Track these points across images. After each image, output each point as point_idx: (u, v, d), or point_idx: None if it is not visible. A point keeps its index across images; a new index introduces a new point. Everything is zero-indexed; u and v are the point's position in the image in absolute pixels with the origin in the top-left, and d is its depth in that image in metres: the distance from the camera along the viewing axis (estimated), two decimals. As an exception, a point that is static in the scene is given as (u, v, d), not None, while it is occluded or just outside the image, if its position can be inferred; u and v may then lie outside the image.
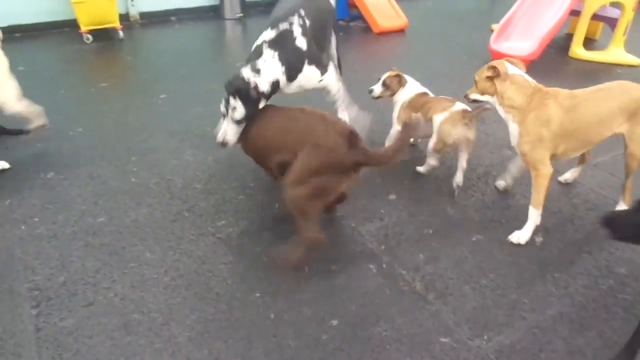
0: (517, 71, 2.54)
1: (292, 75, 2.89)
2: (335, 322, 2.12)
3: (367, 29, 6.24)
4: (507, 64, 2.55)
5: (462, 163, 3.01)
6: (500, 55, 5.00)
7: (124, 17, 6.10)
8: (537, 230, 2.67)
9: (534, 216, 2.59)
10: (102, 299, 2.21)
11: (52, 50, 5.31)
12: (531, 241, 2.60)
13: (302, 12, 3.00)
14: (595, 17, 5.38)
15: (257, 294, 2.26)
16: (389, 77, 3.27)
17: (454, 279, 2.36)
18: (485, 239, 2.62)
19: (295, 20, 2.94)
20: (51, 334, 2.03)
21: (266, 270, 2.39)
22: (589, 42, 5.60)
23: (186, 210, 2.82)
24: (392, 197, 2.97)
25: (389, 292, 2.28)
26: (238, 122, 2.61)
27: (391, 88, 3.27)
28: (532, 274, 2.40)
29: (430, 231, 2.69)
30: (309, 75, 3.01)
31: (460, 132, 2.87)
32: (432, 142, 2.98)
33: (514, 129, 2.55)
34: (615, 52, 5.27)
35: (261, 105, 2.69)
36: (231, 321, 2.12)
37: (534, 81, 2.53)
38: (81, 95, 4.25)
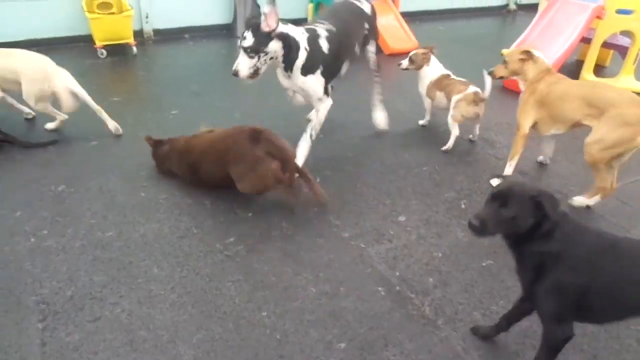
0: (540, 55, 3.22)
1: (307, 67, 3.06)
2: (342, 345, 2.09)
3: (378, 49, 6.27)
4: (534, 50, 3.22)
5: (475, 131, 3.95)
6: (510, 80, 5.04)
7: (138, 34, 6.19)
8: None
9: (507, 167, 3.34)
10: (109, 314, 2.19)
11: (67, 64, 5.31)
12: (542, 268, 2.57)
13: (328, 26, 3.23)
14: (606, 44, 5.40)
15: (264, 314, 2.24)
16: (415, 54, 4.00)
17: (464, 304, 2.33)
18: (495, 265, 2.60)
19: (321, 30, 3.17)
20: (57, 349, 2.01)
21: (273, 289, 2.38)
22: (599, 69, 5.61)
23: (195, 226, 2.81)
24: (402, 218, 2.96)
25: (398, 316, 2.25)
26: (246, 50, 2.89)
27: (416, 63, 3.99)
28: (543, 302, 2.36)
29: (440, 254, 2.67)
30: (313, 85, 3.14)
31: (471, 109, 3.69)
32: (451, 116, 3.76)
33: (522, 95, 3.27)
34: (625, 80, 5.27)
35: (273, 45, 2.93)
36: (237, 341, 2.10)
37: (549, 64, 3.23)
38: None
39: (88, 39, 5.77)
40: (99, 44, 5.54)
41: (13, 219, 2.81)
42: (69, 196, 3.04)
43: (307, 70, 3.08)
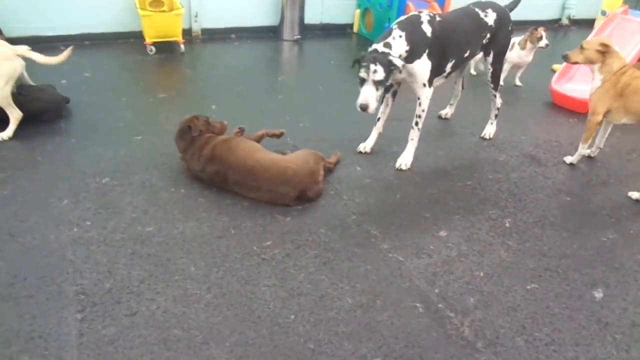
0: (617, 49, 3.49)
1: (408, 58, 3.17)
2: (377, 361, 2.04)
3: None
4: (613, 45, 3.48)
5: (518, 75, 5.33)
6: (561, 97, 4.88)
7: (187, 32, 6.28)
8: (596, 285, 2.52)
9: (580, 149, 3.70)
10: (145, 310, 2.20)
11: (117, 59, 5.51)
12: (590, 296, 2.45)
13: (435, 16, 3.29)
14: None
15: (298, 321, 2.20)
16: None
17: (505, 328, 2.24)
18: (540, 289, 2.49)
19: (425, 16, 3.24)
20: (93, 341, 2.03)
21: (308, 297, 2.34)
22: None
23: (233, 227, 2.81)
24: (443, 233, 2.88)
25: (435, 335, 2.18)
26: (375, 83, 2.99)
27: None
28: (591, 332, 2.25)
29: (482, 274, 2.58)
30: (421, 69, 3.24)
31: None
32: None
33: (597, 81, 3.50)
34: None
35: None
36: (270, 347, 2.07)
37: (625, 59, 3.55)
38: (141, 104, 4.37)
39: (138, 36, 5.90)
40: (148, 40, 5.65)
41: (59, 207, 2.87)
42: (112, 189, 3.09)
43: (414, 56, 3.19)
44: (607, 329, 2.27)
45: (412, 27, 3.16)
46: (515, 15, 3.85)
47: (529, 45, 5.12)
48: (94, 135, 3.72)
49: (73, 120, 3.96)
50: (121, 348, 2.01)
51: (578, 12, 8.57)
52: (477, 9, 3.59)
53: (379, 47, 3.05)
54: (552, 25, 8.47)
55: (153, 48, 5.69)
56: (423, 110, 3.42)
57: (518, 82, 5.48)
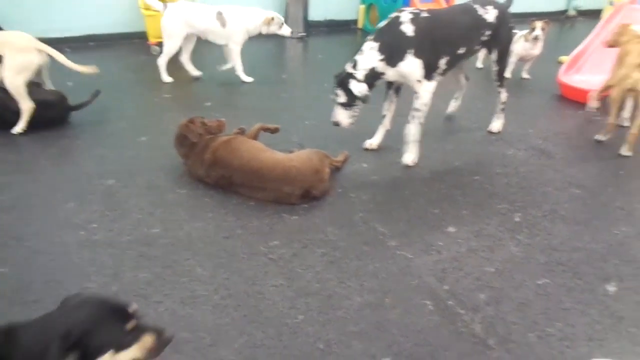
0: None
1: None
2: (387, 360, 2.01)
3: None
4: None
5: (526, 68, 5.39)
6: (569, 89, 4.81)
7: (190, 32, 6.26)
8: (609, 279, 2.48)
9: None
10: (152, 312, 2.18)
11: (121, 60, 5.51)
12: (603, 290, 2.41)
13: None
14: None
15: (307, 322, 2.18)
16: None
17: (518, 324, 2.20)
18: (552, 284, 2.44)
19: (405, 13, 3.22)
20: (100, 344, 2.02)
21: (317, 297, 2.31)
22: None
23: (239, 227, 2.79)
24: (452, 229, 2.84)
25: (445, 333, 2.15)
26: (341, 105, 3.19)
27: None
28: (604, 327, 2.20)
29: (492, 269, 2.54)
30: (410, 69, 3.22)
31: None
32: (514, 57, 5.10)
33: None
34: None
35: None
36: (280, 348, 2.04)
37: None
38: (146, 105, 4.36)
39: (142, 36, 5.90)
40: (152, 40, 5.65)
41: (65, 210, 2.86)
42: (118, 191, 3.08)
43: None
44: (621, 323, 2.22)
45: (388, 33, 3.15)
46: (521, 7, 3.82)
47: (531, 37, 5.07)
48: (98, 137, 3.72)
49: (78, 123, 3.95)
50: (129, 351, 2.00)
51: (585, 2, 8.47)
52: (476, 6, 3.50)
53: (348, 66, 3.16)
54: (559, 17, 8.38)
55: (157, 48, 5.68)
56: (424, 104, 3.34)
57: (525, 75, 5.42)
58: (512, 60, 5.26)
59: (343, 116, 3.23)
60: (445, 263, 2.58)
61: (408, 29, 3.13)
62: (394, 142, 3.74)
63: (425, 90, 3.30)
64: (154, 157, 3.47)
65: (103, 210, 2.88)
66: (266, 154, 3.08)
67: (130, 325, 1.27)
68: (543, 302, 2.34)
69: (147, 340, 1.27)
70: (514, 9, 3.79)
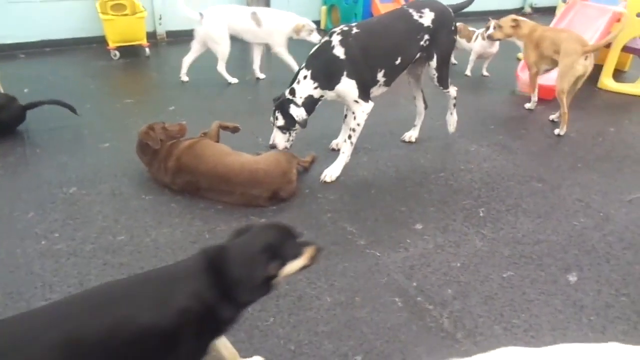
0: (524, 19, 4.56)
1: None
2: (358, 358, 2.02)
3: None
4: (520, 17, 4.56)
5: (485, 65, 5.60)
6: (544, 90, 4.94)
7: (151, 35, 6.18)
8: (570, 269, 2.56)
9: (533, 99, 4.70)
10: (119, 321, 2.14)
11: (79, 66, 5.38)
12: (565, 281, 2.49)
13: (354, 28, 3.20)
14: (626, 49, 5.29)
15: (278, 323, 2.18)
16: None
17: (484, 317, 2.26)
18: (516, 276, 2.51)
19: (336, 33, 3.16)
20: (66, 357, 1.96)
21: (287, 298, 2.31)
22: (618, 74, 5.50)
23: (207, 231, 2.76)
24: (419, 226, 2.89)
25: (415, 329, 2.18)
26: (279, 128, 3.20)
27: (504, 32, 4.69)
28: (567, 316, 2.28)
29: (458, 264, 2.60)
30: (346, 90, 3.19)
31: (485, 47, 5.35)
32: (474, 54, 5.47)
33: (523, 46, 4.59)
34: (646, 85, 5.17)
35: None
36: (250, 351, 2.03)
37: (533, 23, 4.53)
38: (107, 111, 4.27)
39: (101, 40, 5.77)
40: (112, 45, 5.54)
41: (25, 220, 2.77)
42: (80, 199, 3.00)
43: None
44: (583, 312, 2.31)
45: (319, 59, 3.14)
46: (478, 5, 3.87)
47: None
48: (59, 144, 3.62)
49: (36, 130, 3.84)
50: (96, 362, 1.95)
51: (540, 0, 8.73)
52: (411, 10, 3.35)
53: (286, 93, 3.16)
54: (516, 14, 8.60)
55: (117, 53, 5.58)
56: (358, 125, 3.28)
57: (485, 72, 5.55)
58: (471, 59, 5.41)
59: (280, 139, 3.21)
60: (413, 260, 2.61)
61: (338, 51, 3.09)
62: (360, 141, 3.77)
63: (362, 112, 3.25)
64: (117, 164, 3.40)
65: (65, 218, 2.81)
66: (232, 157, 3.06)
67: (299, 240, 1.68)
68: (508, 294, 2.40)
69: (311, 251, 1.68)
70: (470, 7, 3.77)
